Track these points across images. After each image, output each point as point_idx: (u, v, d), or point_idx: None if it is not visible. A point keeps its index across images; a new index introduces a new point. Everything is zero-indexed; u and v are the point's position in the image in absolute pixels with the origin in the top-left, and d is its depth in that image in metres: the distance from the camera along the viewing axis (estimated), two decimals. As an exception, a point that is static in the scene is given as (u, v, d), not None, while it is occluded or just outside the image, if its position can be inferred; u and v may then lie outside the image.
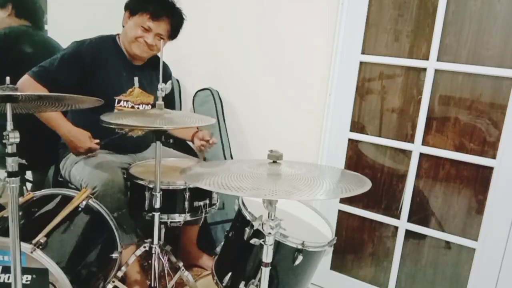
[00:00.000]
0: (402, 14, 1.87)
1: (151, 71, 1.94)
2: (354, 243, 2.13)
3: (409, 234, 1.96)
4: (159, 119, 1.45)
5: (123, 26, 1.84)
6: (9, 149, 1.09)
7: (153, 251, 1.61)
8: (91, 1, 2.67)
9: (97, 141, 1.75)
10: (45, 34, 2.21)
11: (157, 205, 1.55)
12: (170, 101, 2.04)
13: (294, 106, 2.14)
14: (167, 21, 1.80)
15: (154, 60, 1.93)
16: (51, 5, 2.59)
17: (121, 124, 1.42)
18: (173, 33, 1.86)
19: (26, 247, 1.23)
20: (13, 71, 1.71)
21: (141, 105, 1.90)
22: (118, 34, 1.89)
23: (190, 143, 2.09)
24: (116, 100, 1.82)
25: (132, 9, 1.79)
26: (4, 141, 1.09)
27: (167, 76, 2.03)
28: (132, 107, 1.87)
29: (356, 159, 2.07)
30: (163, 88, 1.51)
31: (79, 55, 1.75)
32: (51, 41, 2.18)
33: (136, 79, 1.87)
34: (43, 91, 1.67)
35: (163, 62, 2.02)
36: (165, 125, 1.43)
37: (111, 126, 1.39)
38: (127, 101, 1.85)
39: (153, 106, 1.94)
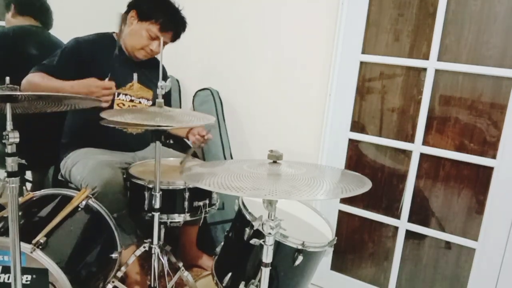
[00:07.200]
0: (402, 14, 1.86)
1: (150, 68, 1.96)
2: (354, 243, 2.13)
3: (409, 234, 1.96)
4: (159, 117, 1.42)
5: (124, 23, 1.84)
6: (9, 149, 1.09)
7: (153, 251, 1.61)
8: (92, 0, 2.67)
9: (113, 83, 1.63)
10: (51, 34, 2.19)
11: (157, 205, 1.55)
12: (168, 101, 2.07)
13: (294, 106, 2.13)
14: (173, 31, 1.85)
15: (152, 59, 1.96)
16: (51, 5, 2.59)
17: (120, 122, 1.41)
18: (174, 39, 1.89)
19: (26, 247, 1.22)
20: (17, 70, 1.72)
21: (141, 99, 1.92)
22: (114, 32, 1.90)
23: (187, 141, 2.08)
24: (116, 93, 1.83)
25: (142, 12, 1.80)
26: (4, 141, 1.09)
27: (165, 75, 2.04)
28: (132, 100, 1.88)
29: (356, 159, 2.07)
30: (162, 86, 1.50)
31: (78, 51, 1.78)
32: (56, 42, 2.16)
33: (135, 75, 1.88)
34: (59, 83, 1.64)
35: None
36: (164, 124, 1.41)
37: (111, 125, 1.39)
38: (126, 94, 1.86)
39: (153, 101, 1.95)
